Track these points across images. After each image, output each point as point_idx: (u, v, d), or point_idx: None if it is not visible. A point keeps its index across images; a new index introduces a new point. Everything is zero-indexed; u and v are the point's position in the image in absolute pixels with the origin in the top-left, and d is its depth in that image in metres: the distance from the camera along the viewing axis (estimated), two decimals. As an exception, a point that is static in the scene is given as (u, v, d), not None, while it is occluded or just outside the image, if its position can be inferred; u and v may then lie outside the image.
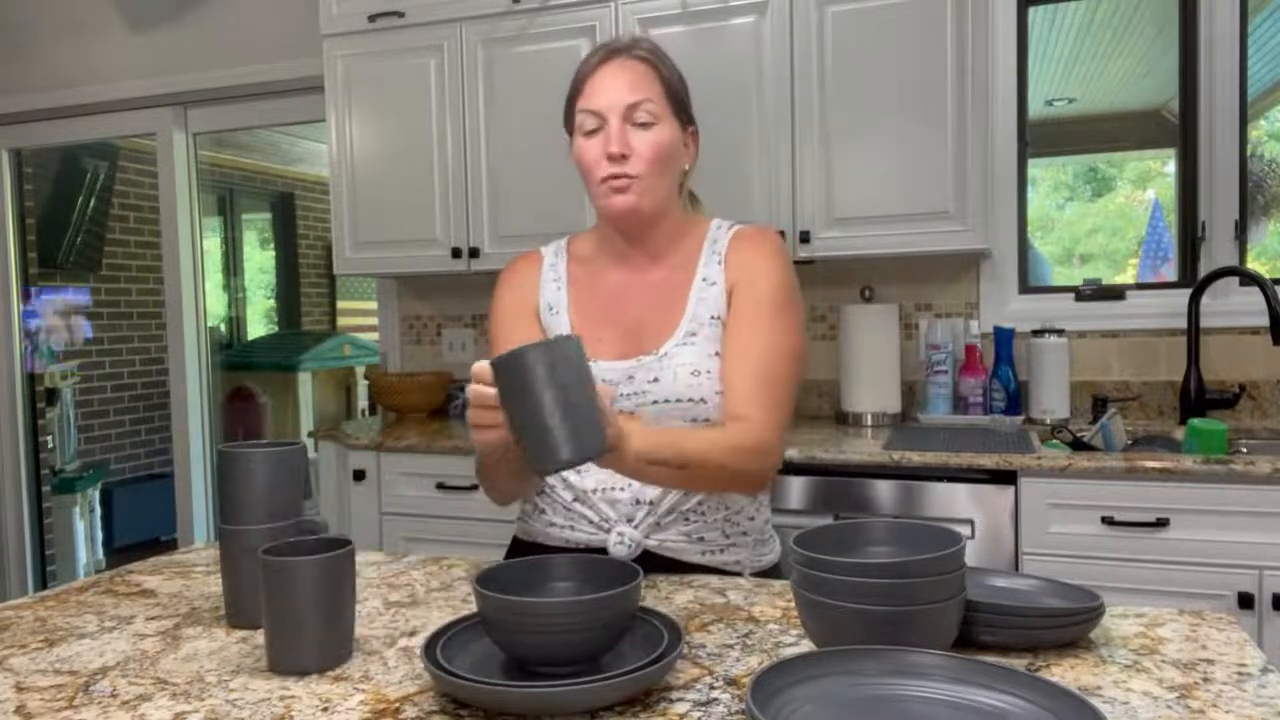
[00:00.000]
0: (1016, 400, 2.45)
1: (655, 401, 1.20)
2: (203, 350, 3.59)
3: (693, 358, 1.21)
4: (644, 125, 1.21)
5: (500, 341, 1.32)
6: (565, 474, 1.24)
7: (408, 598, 1.10)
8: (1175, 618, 0.96)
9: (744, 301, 1.24)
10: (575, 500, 1.24)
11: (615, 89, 1.21)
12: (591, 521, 1.23)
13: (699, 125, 1.32)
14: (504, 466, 1.15)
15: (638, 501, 1.21)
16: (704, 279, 1.26)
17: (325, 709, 0.78)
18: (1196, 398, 2.34)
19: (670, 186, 1.26)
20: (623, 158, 1.20)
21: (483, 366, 0.91)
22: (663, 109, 1.23)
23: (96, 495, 4.55)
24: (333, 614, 0.86)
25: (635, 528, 1.21)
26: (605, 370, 1.23)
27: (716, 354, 1.23)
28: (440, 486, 2.47)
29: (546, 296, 1.31)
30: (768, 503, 1.33)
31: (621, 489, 1.21)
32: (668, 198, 1.26)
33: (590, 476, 1.22)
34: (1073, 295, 2.55)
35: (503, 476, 1.18)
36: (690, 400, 1.20)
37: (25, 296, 3.92)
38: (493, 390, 0.90)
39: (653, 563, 1.21)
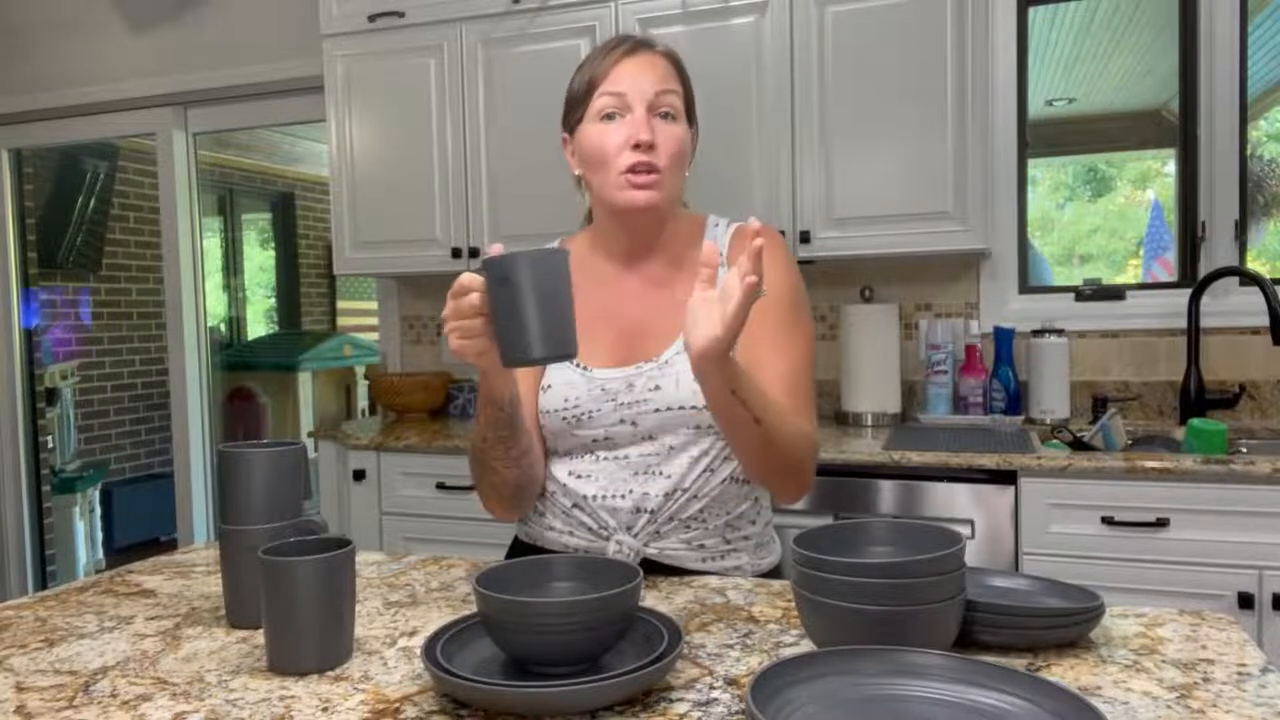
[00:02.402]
0: (1016, 400, 2.45)
1: (657, 410, 1.18)
2: (203, 350, 3.59)
3: None
4: (667, 118, 1.19)
5: None
6: (564, 481, 1.22)
7: (408, 598, 1.10)
8: (1175, 618, 0.96)
9: (757, 311, 1.19)
10: (574, 506, 1.22)
11: (645, 78, 1.18)
12: (590, 529, 1.21)
13: (699, 126, 1.31)
14: (500, 444, 1.12)
15: (637, 510, 1.19)
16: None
17: (325, 709, 0.78)
18: (1196, 398, 2.34)
19: (682, 186, 1.25)
20: (650, 146, 1.17)
21: (472, 276, 0.95)
22: (682, 107, 1.22)
23: (96, 495, 4.55)
24: (333, 614, 0.86)
25: (634, 536, 1.20)
26: (604, 378, 1.20)
27: None
28: (440, 486, 2.47)
29: None
30: (768, 506, 1.31)
31: (621, 497, 1.19)
32: (677, 199, 1.25)
33: (590, 483, 1.21)
34: (1073, 295, 2.55)
35: (498, 455, 1.14)
36: (694, 408, 1.17)
37: (26, 298, 3.92)
38: (477, 296, 0.95)
39: (652, 569, 1.20)
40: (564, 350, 0.94)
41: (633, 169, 1.17)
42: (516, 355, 0.93)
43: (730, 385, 1.01)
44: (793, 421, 1.13)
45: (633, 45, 1.21)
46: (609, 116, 1.18)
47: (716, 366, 0.98)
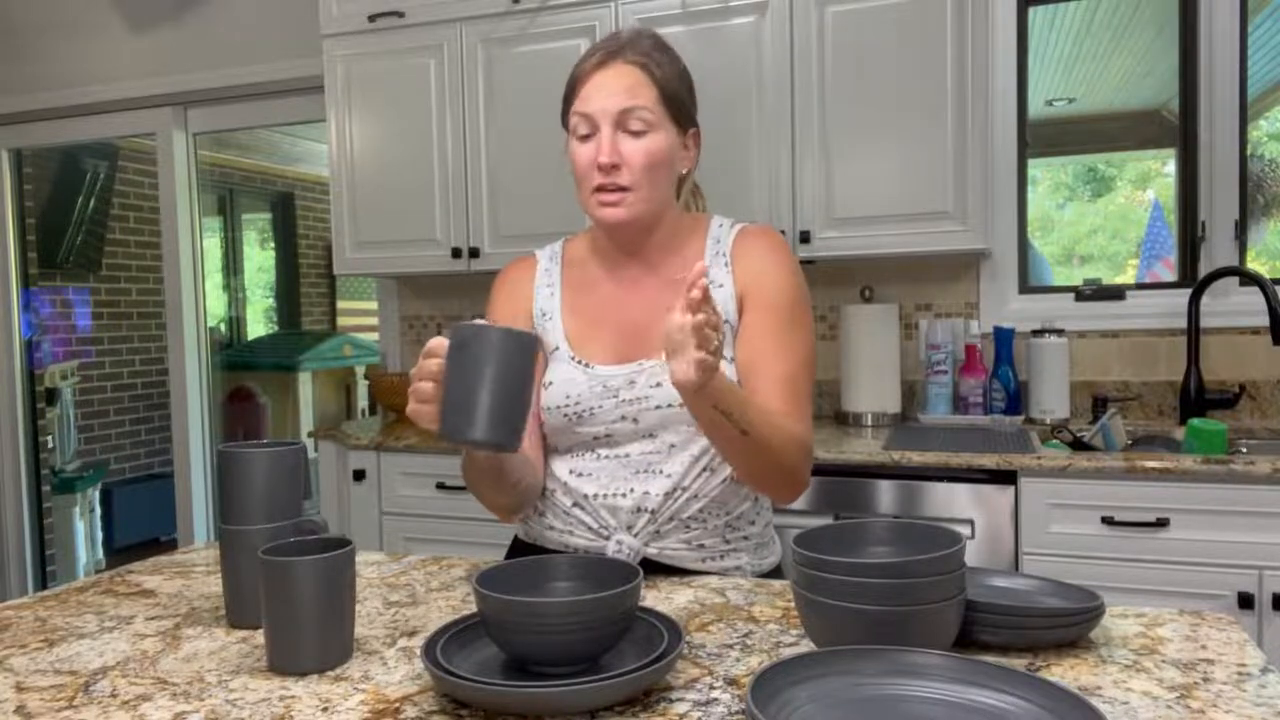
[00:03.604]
0: (1016, 400, 2.45)
1: (658, 406, 1.18)
2: (203, 350, 3.60)
3: None
4: (636, 133, 1.18)
5: None
6: (565, 479, 1.22)
7: (408, 598, 1.10)
8: (1175, 618, 0.96)
9: (759, 311, 1.22)
10: (574, 505, 1.22)
11: (608, 95, 1.18)
12: (590, 528, 1.22)
13: (700, 125, 1.29)
14: (488, 476, 1.14)
15: (638, 510, 1.19)
16: (709, 281, 1.25)
17: (325, 709, 0.78)
18: (1196, 398, 2.34)
19: (665, 193, 1.23)
20: (613, 168, 1.17)
21: (441, 340, 0.93)
22: (657, 115, 1.19)
23: (96, 495, 4.55)
24: (333, 614, 0.86)
25: (634, 536, 1.20)
26: (605, 374, 1.21)
27: (724, 359, 1.20)
28: (440, 486, 2.47)
29: (540, 303, 1.29)
30: (769, 506, 1.31)
31: (622, 496, 1.19)
32: (662, 205, 1.24)
33: (591, 481, 1.21)
34: (1073, 295, 2.55)
35: (486, 485, 1.16)
36: None
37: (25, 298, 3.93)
38: (436, 363, 0.92)
39: (652, 569, 1.20)
40: (507, 439, 0.87)
41: (600, 189, 1.19)
42: (452, 427, 0.87)
43: (712, 402, 1.03)
44: (784, 428, 1.13)
45: (602, 57, 1.20)
46: (583, 136, 1.20)
47: (695, 394, 1.01)
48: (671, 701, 0.78)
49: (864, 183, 2.32)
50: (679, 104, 1.23)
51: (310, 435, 4.64)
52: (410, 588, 1.15)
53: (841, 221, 2.35)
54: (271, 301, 6.44)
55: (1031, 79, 2.61)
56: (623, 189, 1.18)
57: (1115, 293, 2.52)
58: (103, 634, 1.00)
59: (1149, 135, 3.01)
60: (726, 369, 1.20)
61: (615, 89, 1.18)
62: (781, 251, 1.26)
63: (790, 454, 1.14)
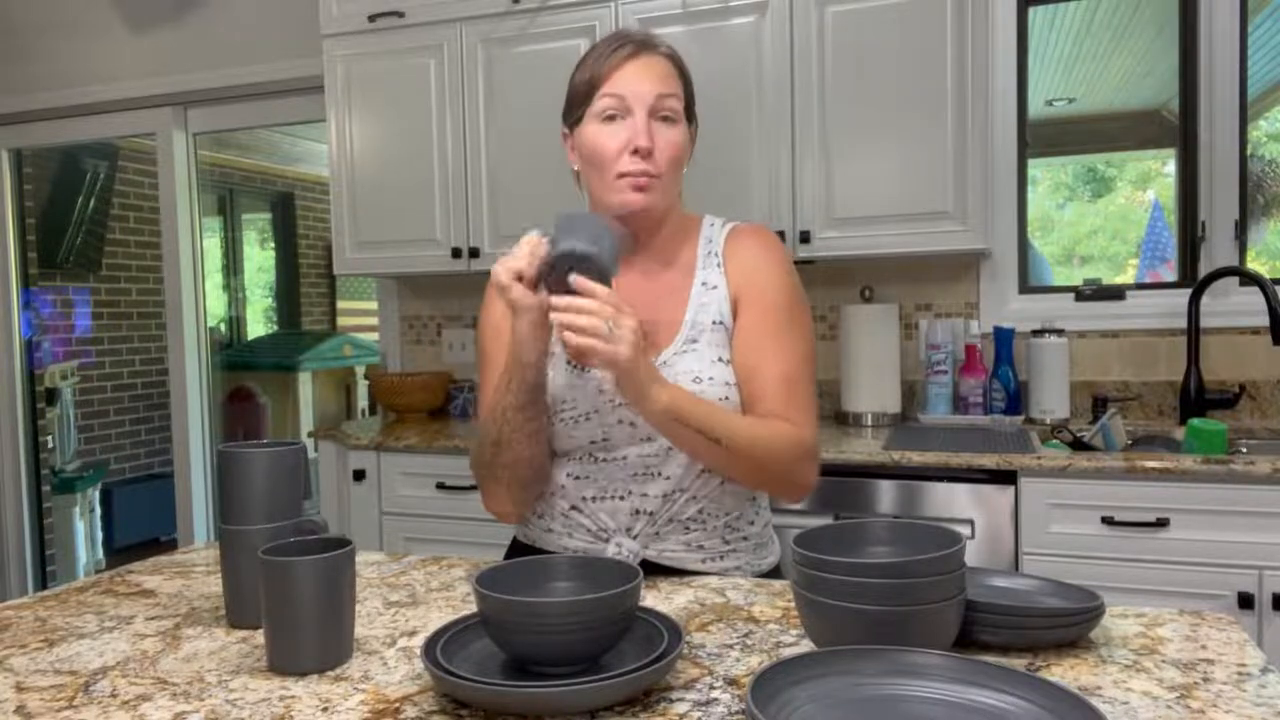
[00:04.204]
0: (1016, 400, 2.45)
1: None
2: (203, 350, 3.59)
3: (694, 364, 1.19)
4: (667, 121, 1.19)
5: (489, 351, 1.29)
6: (563, 482, 1.22)
7: (408, 598, 1.10)
8: (1175, 618, 0.96)
9: (755, 312, 1.21)
10: (572, 509, 1.22)
11: (643, 80, 1.18)
12: (589, 531, 1.21)
13: (698, 124, 1.31)
14: (519, 416, 1.15)
15: (636, 512, 1.19)
16: (703, 283, 1.24)
17: (325, 709, 0.78)
18: (1196, 398, 2.34)
19: (679, 188, 1.25)
20: (649, 153, 1.17)
21: (539, 240, 1.10)
22: (682, 108, 1.22)
23: (96, 495, 4.55)
24: (333, 614, 0.86)
25: (633, 538, 1.20)
26: (601, 378, 1.20)
27: (720, 359, 1.20)
28: (440, 486, 2.47)
29: None
30: (767, 506, 1.31)
31: (620, 499, 1.19)
32: (675, 199, 1.26)
33: (589, 485, 1.21)
34: (1073, 295, 2.55)
35: (519, 427, 1.15)
36: None
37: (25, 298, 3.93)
38: (539, 239, 1.10)
39: (651, 570, 1.20)
40: (620, 254, 1.10)
41: (630, 174, 1.18)
42: (571, 245, 1.07)
43: (672, 416, 1.07)
44: (777, 431, 1.14)
45: (635, 48, 1.21)
46: (610, 118, 1.19)
47: (656, 415, 1.09)
48: (671, 701, 0.78)
49: (864, 183, 2.32)
50: (692, 101, 1.27)
51: (310, 435, 4.64)
52: (410, 588, 1.15)
53: (841, 221, 2.35)
54: (271, 301, 6.44)
55: (1031, 79, 2.61)
56: (653, 176, 1.18)
57: (1115, 293, 2.52)
58: (103, 634, 1.00)
59: (1149, 135, 3.01)
60: (721, 370, 1.20)
61: (651, 75, 1.19)
62: (775, 250, 1.26)
63: (783, 458, 1.13)
